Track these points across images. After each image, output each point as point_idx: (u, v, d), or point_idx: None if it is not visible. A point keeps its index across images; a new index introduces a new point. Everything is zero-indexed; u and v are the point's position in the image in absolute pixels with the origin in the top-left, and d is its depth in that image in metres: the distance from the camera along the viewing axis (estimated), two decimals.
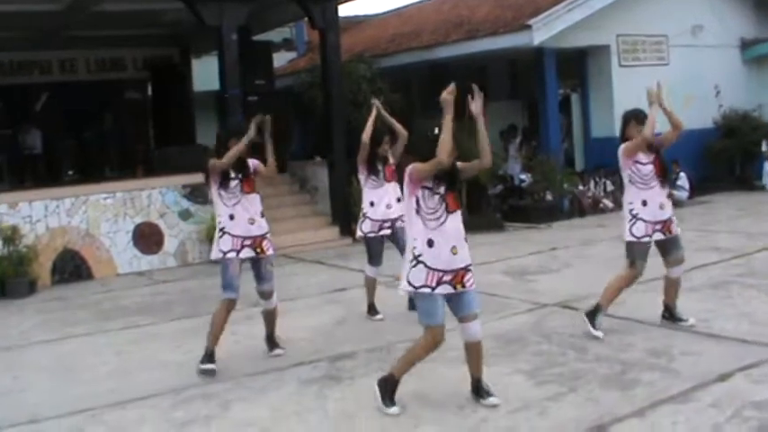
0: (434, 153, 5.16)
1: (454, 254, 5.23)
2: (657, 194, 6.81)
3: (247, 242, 6.65)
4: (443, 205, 5.24)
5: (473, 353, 5.42)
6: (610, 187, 15.61)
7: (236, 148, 6.55)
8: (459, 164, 5.42)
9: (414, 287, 5.23)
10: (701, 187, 16.21)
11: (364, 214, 8.00)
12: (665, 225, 6.83)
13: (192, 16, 13.48)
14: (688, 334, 6.75)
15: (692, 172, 15.96)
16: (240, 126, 7.12)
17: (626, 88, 15.51)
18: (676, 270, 6.97)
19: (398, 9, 23.83)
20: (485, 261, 10.18)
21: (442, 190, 5.26)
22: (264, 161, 6.87)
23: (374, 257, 8.08)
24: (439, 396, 5.57)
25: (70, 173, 17.43)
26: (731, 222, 13.04)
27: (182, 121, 18.65)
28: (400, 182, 7.72)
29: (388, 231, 7.94)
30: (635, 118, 6.84)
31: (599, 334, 6.78)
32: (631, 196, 6.88)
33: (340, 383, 6.15)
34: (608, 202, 15.35)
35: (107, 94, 19.12)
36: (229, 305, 6.65)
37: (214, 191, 6.73)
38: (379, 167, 7.93)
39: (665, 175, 6.93)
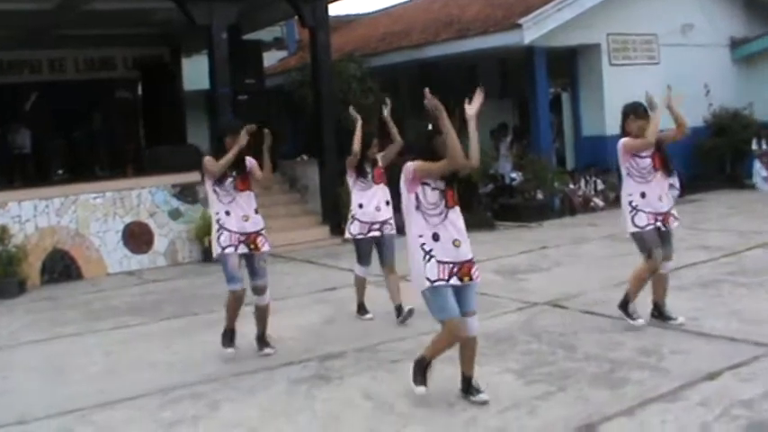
0: (431, 151, 5.24)
1: (457, 246, 5.28)
2: (656, 187, 6.86)
3: (241, 238, 6.77)
4: (443, 201, 5.28)
5: (468, 348, 5.43)
6: (600, 186, 15.64)
7: (227, 158, 6.64)
8: None
9: (431, 282, 5.23)
10: (691, 186, 16.21)
11: (353, 216, 7.99)
12: (665, 217, 6.87)
13: (182, 15, 13.45)
14: (677, 332, 6.75)
15: (682, 170, 15.95)
16: (235, 122, 7.18)
17: (616, 87, 15.55)
18: (665, 266, 6.99)
19: (389, 8, 23.80)
20: (475, 260, 10.14)
21: (442, 185, 5.30)
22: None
23: (363, 257, 8.07)
24: (428, 395, 5.55)
25: (60, 172, 17.34)
26: (721, 221, 13.07)
27: (172, 121, 18.57)
28: (389, 184, 7.77)
29: (377, 233, 7.93)
30: (633, 112, 6.88)
31: (639, 322, 6.87)
32: (630, 189, 6.93)
33: (329, 383, 6.13)
34: (599, 201, 15.38)
35: (97, 93, 19.02)
36: (236, 295, 6.88)
37: (209, 188, 6.85)
38: (368, 169, 7.94)
39: (667, 168, 6.96)
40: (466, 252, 5.35)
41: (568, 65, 16.60)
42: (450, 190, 5.33)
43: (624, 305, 6.99)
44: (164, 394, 6.11)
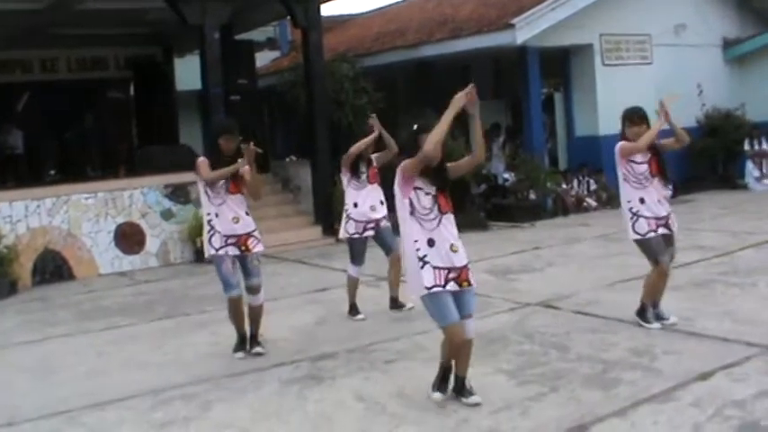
0: (417, 148, 5.18)
1: (454, 251, 5.27)
2: (653, 192, 6.87)
3: (231, 240, 6.79)
4: (437, 206, 5.26)
5: (464, 351, 5.41)
6: (593, 186, 15.65)
7: (221, 173, 6.69)
8: (449, 164, 5.44)
9: (427, 288, 5.21)
10: (684, 186, 16.22)
11: (348, 215, 7.99)
12: (667, 221, 6.89)
13: (174, 15, 13.42)
14: (670, 333, 6.75)
15: (675, 171, 15.95)
16: (230, 123, 7.25)
17: (609, 87, 15.58)
18: None
19: (382, 8, 23.77)
20: (468, 260, 10.14)
21: (433, 190, 5.28)
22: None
23: (356, 257, 8.07)
24: (420, 396, 5.54)
25: (52, 173, 17.28)
26: (714, 221, 13.07)
27: (164, 121, 18.55)
28: (383, 185, 7.76)
29: (371, 233, 7.98)
30: (629, 119, 6.92)
31: (655, 326, 6.85)
32: (628, 194, 6.94)
33: (321, 384, 6.11)
34: (591, 201, 15.40)
35: (89, 93, 18.99)
36: (234, 302, 6.90)
37: (201, 189, 6.90)
38: (363, 169, 7.97)
39: (664, 175, 6.98)
40: (462, 257, 5.33)
41: (561, 65, 16.59)
42: (442, 195, 5.32)
43: (641, 313, 6.98)
44: (155, 395, 6.08)
